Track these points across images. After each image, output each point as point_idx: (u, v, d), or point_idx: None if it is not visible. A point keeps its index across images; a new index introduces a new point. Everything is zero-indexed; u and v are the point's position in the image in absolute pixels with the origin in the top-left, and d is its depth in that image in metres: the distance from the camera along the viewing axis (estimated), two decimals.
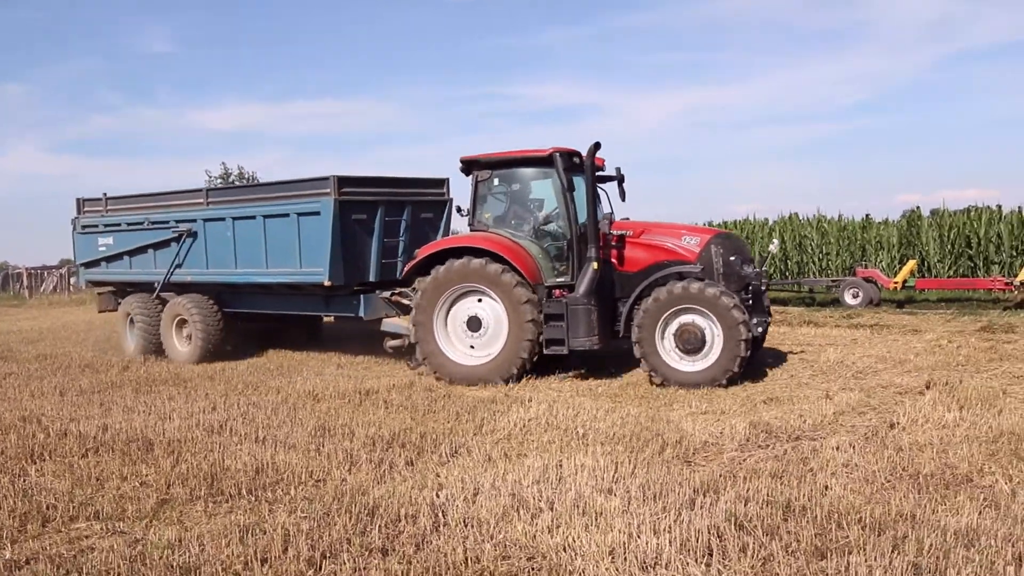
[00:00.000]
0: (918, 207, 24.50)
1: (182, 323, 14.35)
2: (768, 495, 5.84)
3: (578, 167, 11.69)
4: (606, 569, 4.69)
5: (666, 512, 5.51)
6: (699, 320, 10.56)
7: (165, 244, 14.68)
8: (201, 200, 14.59)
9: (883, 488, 6.07)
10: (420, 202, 14.00)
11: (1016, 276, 18.05)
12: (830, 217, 25.23)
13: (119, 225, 15.50)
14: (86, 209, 16.11)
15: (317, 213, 12.57)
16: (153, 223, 14.88)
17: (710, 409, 9.21)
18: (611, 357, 12.07)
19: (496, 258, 11.21)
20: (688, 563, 4.73)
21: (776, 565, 4.70)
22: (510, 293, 11.07)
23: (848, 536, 5.05)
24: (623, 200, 12.24)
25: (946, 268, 21.64)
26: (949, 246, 21.76)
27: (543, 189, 12.22)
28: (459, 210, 12.56)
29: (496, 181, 12.15)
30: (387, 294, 12.99)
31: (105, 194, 15.76)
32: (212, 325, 14.09)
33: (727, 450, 7.39)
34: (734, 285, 10.87)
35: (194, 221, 14.26)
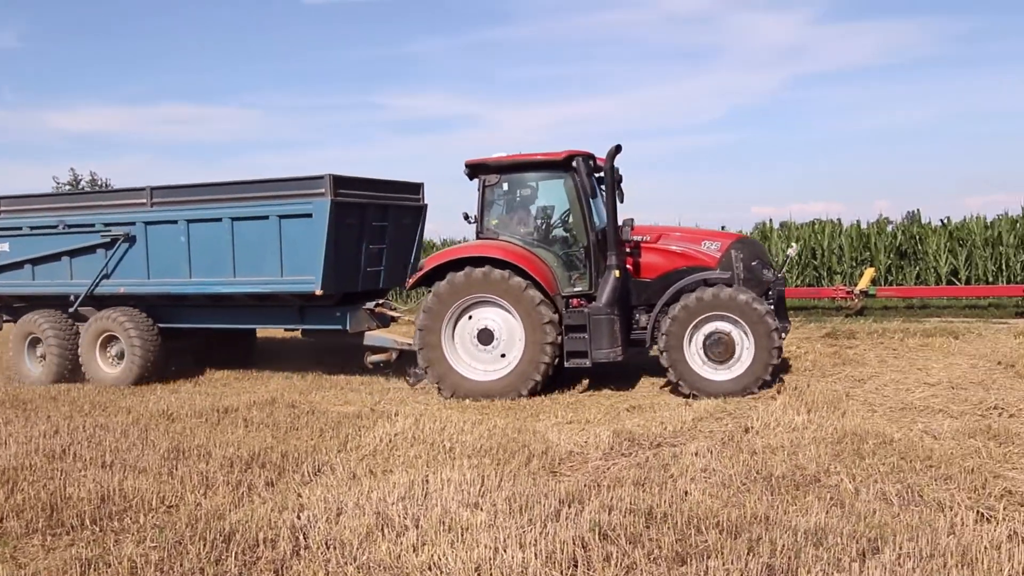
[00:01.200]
0: (770, 219, 25.56)
1: (109, 341, 12.68)
2: (631, 503, 5.92)
3: (592, 170, 11.40)
4: None
5: (532, 525, 5.51)
6: (728, 327, 10.22)
7: (88, 251, 12.81)
8: (143, 200, 12.63)
9: (739, 491, 6.24)
10: (401, 207, 13.25)
11: (856, 285, 18.99)
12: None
13: (19, 229, 13.28)
14: None
15: (308, 215, 11.47)
16: (72, 227, 12.90)
17: (575, 419, 9.33)
18: None
19: (515, 270, 10.68)
20: (553, 575, 4.72)
21: (639, 573, 4.78)
22: (529, 306, 10.57)
23: (707, 540, 5.17)
24: (621, 202, 11.42)
25: (794, 278, 22.57)
26: (796, 257, 22.72)
27: (556, 194, 11.69)
28: (466, 217, 11.81)
29: (506, 186, 11.62)
30: (371, 305, 12.46)
31: None
32: (151, 342, 12.50)
33: (592, 459, 7.48)
34: (756, 290, 10.55)
35: (132, 224, 12.48)
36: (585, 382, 11.29)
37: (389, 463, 7.51)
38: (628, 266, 11.09)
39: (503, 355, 10.87)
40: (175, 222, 12.25)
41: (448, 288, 10.81)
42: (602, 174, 11.29)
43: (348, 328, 12.16)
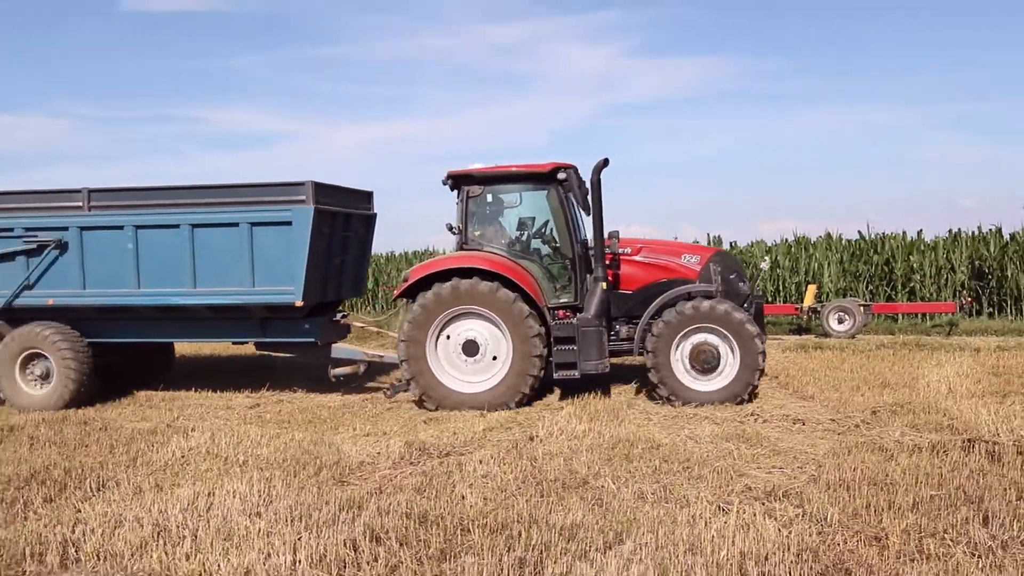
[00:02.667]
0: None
1: (31, 359, 11.27)
2: (407, 508, 6.16)
3: (577, 183, 11.15)
4: None
5: (308, 530, 5.67)
6: (712, 339, 10.27)
7: (5, 258, 11.44)
8: (79, 203, 11.32)
9: (512, 494, 6.57)
10: (359, 216, 12.67)
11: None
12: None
13: None
14: None
15: (288, 223, 10.77)
16: None
17: (373, 431, 9.47)
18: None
19: (503, 281, 10.50)
20: (320, 575, 4.92)
21: (403, 570, 5.04)
22: (518, 318, 10.41)
23: (472, 539, 5.49)
24: (588, 214, 11.17)
25: None
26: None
27: (540, 205, 11.50)
28: (449, 227, 11.44)
29: (489, 197, 11.38)
30: (338, 316, 11.96)
31: None
32: (84, 360, 11.23)
33: (381, 468, 7.65)
34: (734, 302, 10.60)
35: (64, 229, 11.23)
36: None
37: (179, 477, 7.44)
38: (609, 278, 11.07)
39: (492, 363, 10.71)
40: (120, 227, 11.13)
41: (434, 299, 10.59)
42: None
43: (319, 340, 11.68)
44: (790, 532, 5.43)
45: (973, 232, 21.95)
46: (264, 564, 5.07)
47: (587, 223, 11.22)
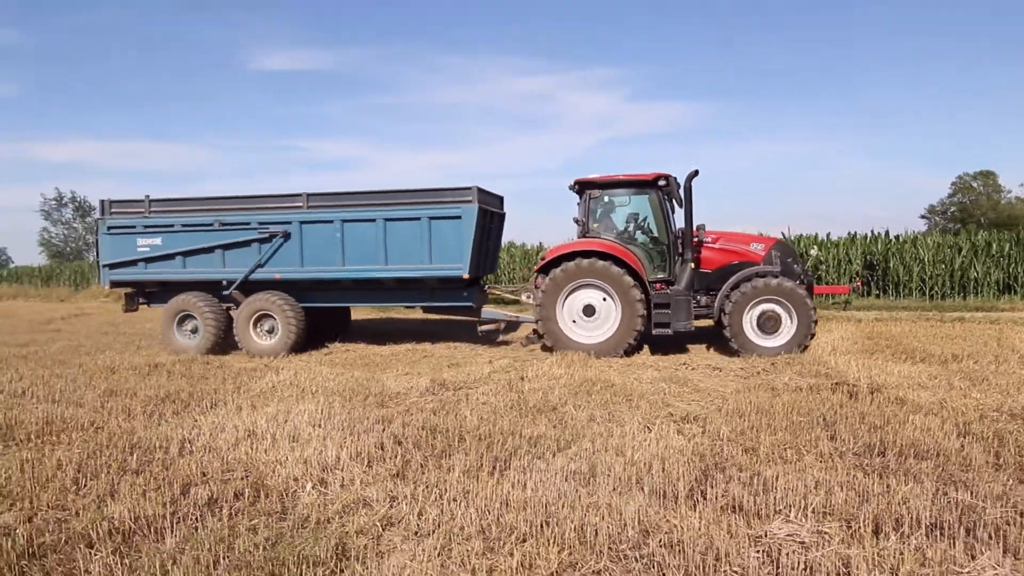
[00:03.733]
0: None
1: (262, 319, 11.77)
2: (423, 423, 6.41)
3: (674, 187, 11.16)
4: (299, 470, 5.06)
5: (352, 435, 5.95)
6: (776, 308, 10.38)
7: (243, 244, 11.82)
8: (300, 204, 11.69)
9: (500, 415, 6.75)
10: (496, 214, 12.59)
11: None
12: (530, 245, 26.26)
13: (170, 226, 12.00)
14: (115, 211, 12.25)
15: (458, 217, 11.11)
16: (227, 224, 11.84)
17: (411, 372, 9.66)
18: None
19: (615, 260, 10.68)
20: (354, 465, 5.22)
21: (413, 462, 5.29)
22: (626, 287, 10.51)
23: (465, 443, 5.74)
24: (680, 207, 11.19)
25: None
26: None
27: (644, 204, 11.42)
28: (576, 221, 11.52)
29: (606, 198, 11.42)
30: (486, 287, 12.15)
31: (148, 196, 12.18)
32: (301, 319, 11.76)
33: (411, 397, 7.87)
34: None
35: (289, 223, 11.62)
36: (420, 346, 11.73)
37: (268, 400, 7.67)
38: (694, 260, 11.14)
39: (605, 322, 10.75)
40: (331, 221, 11.51)
41: (563, 274, 10.77)
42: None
43: (474, 304, 11.95)
44: (691, 443, 5.63)
45: (867, 234, 21.82)
46: (317, 457, 5.37)
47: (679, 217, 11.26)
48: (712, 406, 7.09)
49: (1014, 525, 3.84)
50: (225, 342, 11.99)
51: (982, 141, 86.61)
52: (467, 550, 3.72)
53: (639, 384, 8.29)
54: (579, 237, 11.42)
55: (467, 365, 10.06)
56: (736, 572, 3.45)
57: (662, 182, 10.99)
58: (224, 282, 12.00)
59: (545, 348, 11.20)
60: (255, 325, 11.79)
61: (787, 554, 3.55)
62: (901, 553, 3.51)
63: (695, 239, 10.89)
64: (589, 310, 10.83)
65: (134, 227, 12.13)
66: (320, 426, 6.33)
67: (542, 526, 4.02)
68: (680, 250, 11.04)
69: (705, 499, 4.39)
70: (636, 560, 3.60)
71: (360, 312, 17.94)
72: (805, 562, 3.49)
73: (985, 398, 6.96)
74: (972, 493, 4.31)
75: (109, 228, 12.23)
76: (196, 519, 4.25)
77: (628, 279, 10.51)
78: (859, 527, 3.85)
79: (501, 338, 12.67)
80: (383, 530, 4.04)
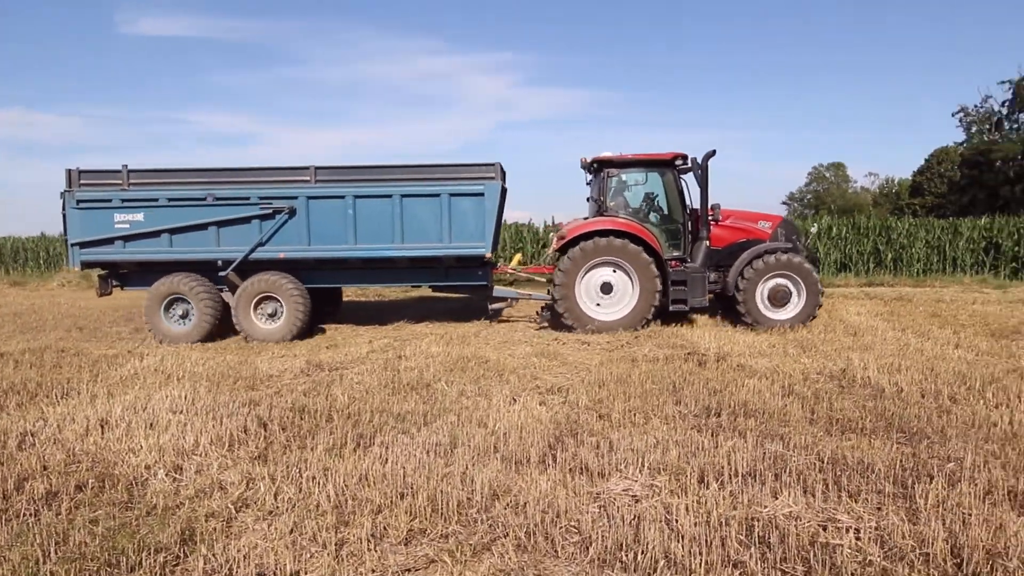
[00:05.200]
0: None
1: (263, 301, 10.84)
2: (292, 404, 6.35)
3: (688, 168, 11.16)
4: (152, 458, 4.90)
5: (214, 420, 5.80)
6: (786, 282, 10.69)
7: (242, 221, 10.80)
8: (307, 178, 10.80)
9: (372, 393, 6.77)
10: (504, 190, 11.67)
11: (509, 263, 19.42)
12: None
13: (154, 200, 10.76)
14: (85, 182, 10.83)
15: (480, 195, 10.61)
16: (222, 199, 10.77)
17: (287, 354, 9.43)
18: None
19: (633, 238, 10.62)
20: (213, 450, 5.11)
21: (276, 444, 5.25)
22: (644, 265, 10.53)
23: (332, 423, 5.74)
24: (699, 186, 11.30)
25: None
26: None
27: (660, 184, 11.40)
28: (590, 199, 11.55)
29: (623, 176, 11.35)
30: (501, 265, 11.66)
31: (125, 166, 10.85)
32: (307, 301, 10.86)
33: (284, 379, 7.72)
34: None
35: (294, 198, 10.71)
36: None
37: (127, 388, 7.29)
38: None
39: (622, 298, 10.77)
40: (342, 197, 10.68)
41: (581, 252, 10.65)
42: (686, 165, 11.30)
43: (488, 283, 11.53)
44: (551, 413, 5.89)
45: None
46: (174, 443, 5.21)
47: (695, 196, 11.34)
48: (577, 378, 7.40)
49: (814, 469, 4.31)
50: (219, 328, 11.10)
51: (834, 134, 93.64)
52: (319, 525, 3.77)
53: (512, 359, 8.51)
54: (593, 215, 11.41)
55: (346, 345, 9.96)
56: (573, 526, 3.69)
57: (679, 161, 11.10)
58: (219, 262, 10.93)
59: (555, 326, 11.17)
60: (255, 308, 10.87)
61: (619, 507, 3.83)
62: (717, 499, 3.86)
63: (710, 218, 11.09)
64: (607, 287, 10.83)
65: (109, 201, 10.79)
66: (182, 412, 6.12)
67: (399, 497, 4.12)
68: (695, 228, 11.27)
69: (555, 463, 4.63)
70: (482, 523, 3.77)
71: None
72: (635, 512, 3.78)
73: (811, 363, 7.67)
74: (785, 444, 4.79)
75: (79, 202, 10.79)
76: (32, 514, 4.04)
77: (646, 257, 10.59)
78: (686, 479, 4.20)
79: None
80: (236, 512, 4.01)
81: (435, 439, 5.17)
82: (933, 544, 3.36)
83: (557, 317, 11.08)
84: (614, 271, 10.79)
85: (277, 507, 4.08)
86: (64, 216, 10.88)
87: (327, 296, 12.66)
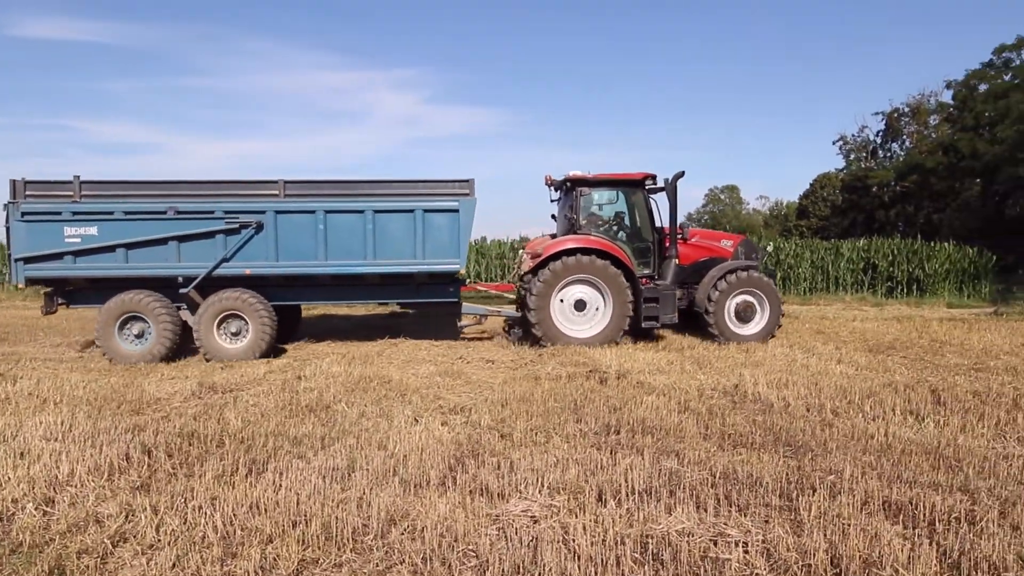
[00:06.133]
0: None
1: (227, 319, 10.37)
2: (180, 429, 6.01)
3: (657, 188, 11.52)
4: (20, 490, 4.50)
5: (93, 447, 5.41)
6: (751, 298, 11.13)
7: (205, 236, 10.28)
8: (275, 192, 10.46)
9: (268, 416, 6.52)
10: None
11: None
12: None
13: (109, 213, 10.15)
14: (31, 192, 10.15)
15: (455, 211, 10.45)
16: (184, 213, 10.21)
17: (178, 375, 8.99)
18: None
19: (607, 256, 10.77)
20: (90, 480, 4.75)
21: (161, 472, 4.93)
22: (619, 284, 10.71)
23: (223, 447, 5.46)
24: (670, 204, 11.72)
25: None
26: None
27: (631, 203, 11.62)
28: (554, 216, 11.94)
29: (596, 195, 11.48)
30: (469, 282, 11.17)
31: (77, 177, 10.22)
32: (273, 319, 10.47)
33: (173, 402, 7.34)
34: None
35: (262, 213, 10.29)
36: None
37: None
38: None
39: (595, 316, 10.92)
40: (312, 212, 10.34)
41: (561, 268, 10.74)
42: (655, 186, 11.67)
43: (458, 299, 11.34)
44: (453, 433, 5.82)
45: None
46: (47, 473, 4.82)
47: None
48: (480, 397, 7.36)
49: (707, 485, 4.44)
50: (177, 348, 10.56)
51: (729, 157, 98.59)
52: (204, 558, 3.55)
53: (415, 379, 8.40)
54: (563, 233, 11.52)
55: (242, 366, 9.56)
56: (471, 550, 3.63)
57: (648, 181, 11.45)
58: (180, 279, 10.39)
59: (522, 341, 11.25)
60: (220, 326, 10.43)
61: (517, 529, 3.81)
62: (614, 517, 3.91)
63: (679, 236, 11.51)
64: (580, 304, 10.96)
65: (59, 214, 10.10)
66: (57, 439, 5.69)
67: (292, 526, 3.95)
68: (664, 247, 11.55)
69: (455, 485, 4.56)
70: (378, 550, 3.66)
71: None
72: (533, 534, 3.77)
73: (706, 379, 7.95)
74: (680, 460, 4.92)
75: (24, 215, 10.06)
76: None
77: (620, 275, 10.78)
78: (584, 498, 4.23)
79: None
80: (112, 547, 3.73)
81: (332, 463, 5.00)
82: (815, 555, 3.51)
83: (528, 333, 11.22)
84: (587, 289, 10.98)
85: (159, 540, 3.82)
86: (7, 229, 10.18)
87: (287, 313, 12.28)
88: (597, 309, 10.95)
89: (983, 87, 34.85)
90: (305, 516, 4.04)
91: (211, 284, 10.50)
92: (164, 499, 4.36)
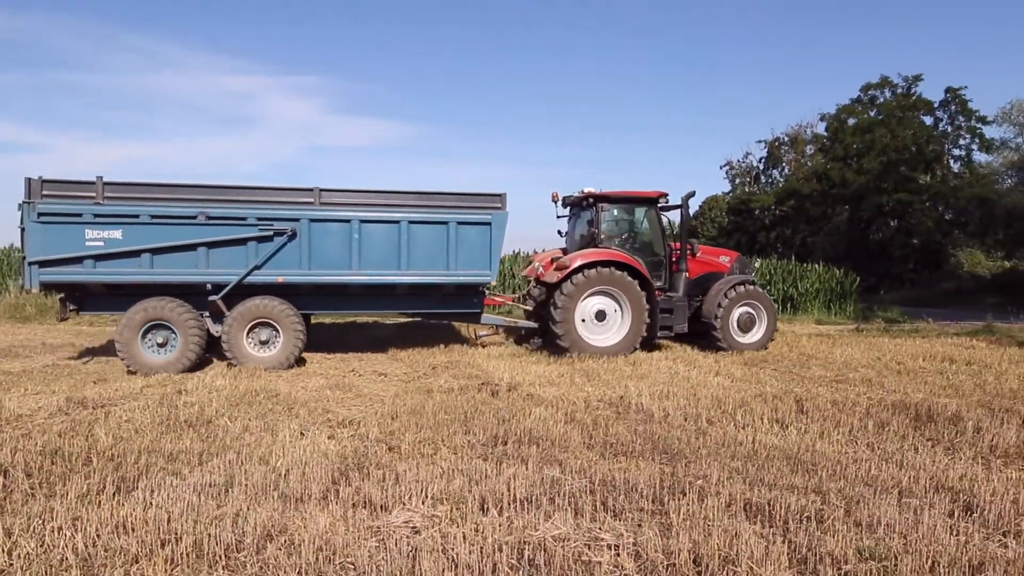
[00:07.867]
0: None
1: (258, 327, 10.12)
2: (43, 447, 5.63)
3: (670, 206, 12.34)
4: None
5: None
6: (751, 309, 12.12)
7: (236, 243, 9.91)
8: (311, 199, 10.20)
9: (142, 433, 6.21)
10: None
11: None
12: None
13: (135, 217, 9.57)
14: (48, 192, 9.40)
15: (487, 223, 10.52)
16: (216, 219, 9.79)
17: (44, 390, 8.39)
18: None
19: (629, 269, 11.30)
20: None
21: (18, 492, 4.62)
22: (638, 295, 11.25)
23: (92, 466, 5.16)
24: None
25: None
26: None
27: (646, 219, 12.28)
28: (559, 232, 12.94)
29: (615, 211, 12.07)
30: (489, 293, 11.41)
31: (100, 177, 9.52)
32: (304, 329, 10.26)
33: (36, 419, 6.83)
34: None
35: (296, 220, 9.99)
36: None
37: None
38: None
39: (615, 325, 11.45)
40: (348, 221, 10.17)
41: (584, 280, 11.16)
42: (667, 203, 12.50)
43: (482, 310, 11.45)
44: (339, 446, 5.75)
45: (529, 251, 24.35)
46: None
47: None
48: (371, 410, 7.31)
49: (586, 492, 4.61)
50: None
51: (627, 181, 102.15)
52: None
53: (304, 392, 8.24)
54: (578, 247, 12.09)
55: (117, 380, 9.06)
56: (349, 563, 3.62)
57: (662, 200, 12.17)
58: (209, 285, 9.99)
59: (563, 351, 11.25)
60: (249, 335, 10.14)
61: (397, 540, 3.83)
62: (494, 525, 3.99)
63: (689, 251, 12.32)
64: (601, 315, 11.44)
65: (80, 215, 9.50)
66: None
67: (160, 545, 3.79)
68: (676, 261, 12.30)
69: (337, 498, 4.52)
70: (252, 566, 3.57)
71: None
72: (413, 544, 3.79)
73: (594, 391, 8.23)
74: (563, 469, 5.08)
75: (41, 215, 9.39)
76: None
77: (640, 287, 11.37)
78: (467, 507, 4.29)
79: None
80: None
81: (209, 479, 4.83)
82: (679, 555, 3.72)
83: (548, 343, 11.70)
84: (607, 300, 11.46)
85: (11, 565, 3.58)
86: (22, 230, 9.50)
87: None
88: (616, 319, 11.51)
89: (852, 121, 37.86)
90: (176, 534, 3.89)
91: (238, 292, 10.20)
92: (19, 521, 4.09)
